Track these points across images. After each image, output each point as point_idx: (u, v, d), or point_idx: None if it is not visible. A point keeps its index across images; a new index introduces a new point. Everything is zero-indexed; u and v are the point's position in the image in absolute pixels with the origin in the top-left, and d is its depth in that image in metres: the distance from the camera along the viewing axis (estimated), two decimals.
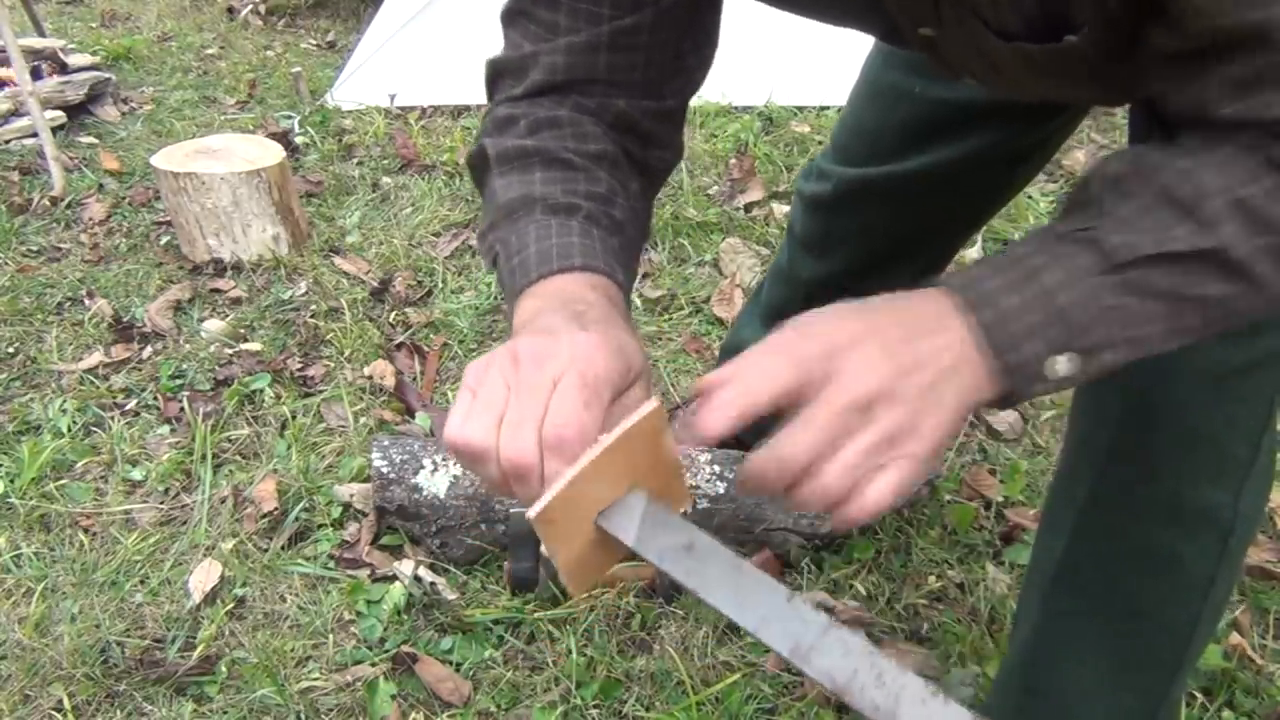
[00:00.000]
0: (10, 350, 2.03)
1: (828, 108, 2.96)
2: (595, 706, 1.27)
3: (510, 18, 0.87)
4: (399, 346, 2.00)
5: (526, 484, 0.60)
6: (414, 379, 1.91)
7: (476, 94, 3.51)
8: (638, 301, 2.13)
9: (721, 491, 1.43)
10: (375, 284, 2.22)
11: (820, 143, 2.75)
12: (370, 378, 1.90)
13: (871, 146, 1.22)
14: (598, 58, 0.84)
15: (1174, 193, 0.59)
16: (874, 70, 1.23)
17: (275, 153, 2.35)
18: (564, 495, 0.58)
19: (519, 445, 0.58)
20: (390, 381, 1.89)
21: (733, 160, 2.69)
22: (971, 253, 2.23)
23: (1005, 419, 1.74)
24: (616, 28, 0.83)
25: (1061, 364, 0.60)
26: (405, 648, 1.34)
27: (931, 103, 1.14)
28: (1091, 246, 0.59)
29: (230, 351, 2.01)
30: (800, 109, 3.01)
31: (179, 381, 1.92)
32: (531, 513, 0.58)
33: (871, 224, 1.26)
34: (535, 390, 0.60)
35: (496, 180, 0.85)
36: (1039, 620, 1.01)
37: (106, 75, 3.33)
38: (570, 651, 1.33)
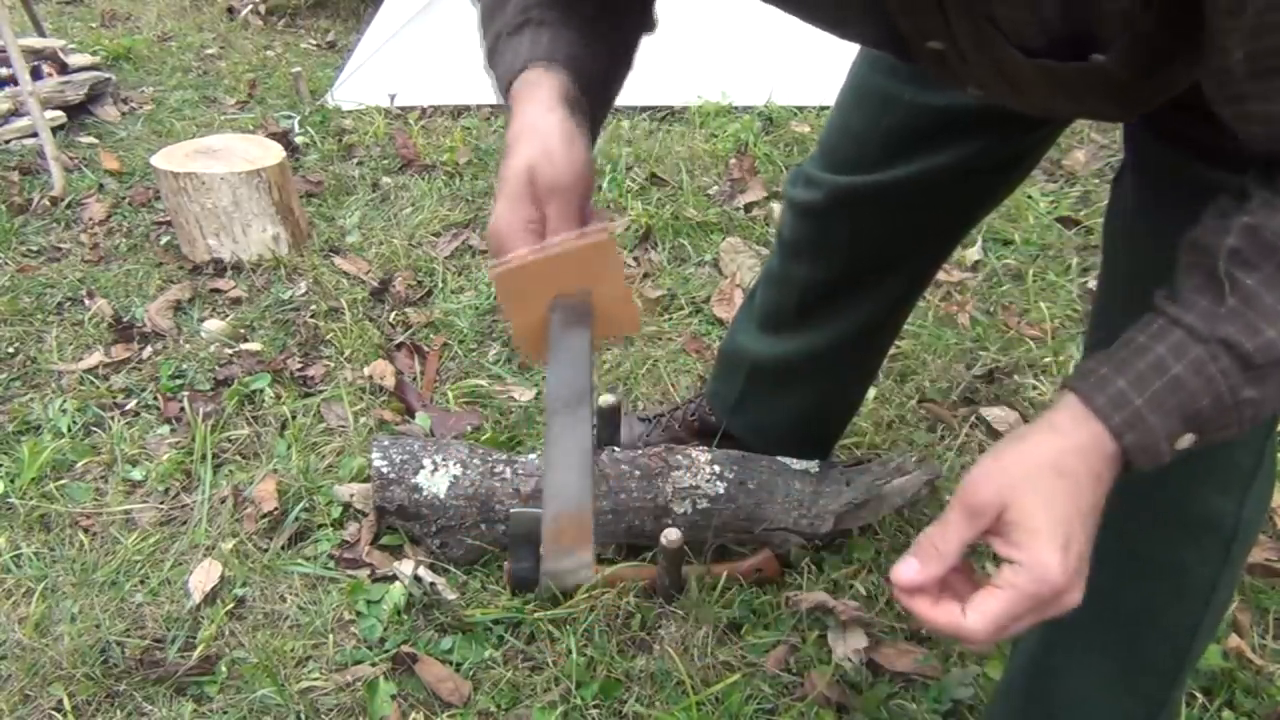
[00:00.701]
0: (10, 350, 2.03)
1: (827, 108, 2.94)
2: (595, 706, 1.27)
3: None
4: (399, 346, 2.00)
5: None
6: (414, 379, 1.91)
7: (476, 94, 3.53)
8: (637, 302, 2.13)
9: (721, 491, 1.43)
10: (375, 284, 2.22)
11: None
12: (370, 378, 1.90)
13: (860, 153, 1.22)
14: None
15: None
16: (861, 74, 1.22)
17: (275, 153, 2.35)
18: (510, 272, 0.74)
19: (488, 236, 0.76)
20: (390, 381, 1.89)
21: (733, 160, 2.69)
22: (971, 253, 2.23)
23: (1005, 419, 1.74)
24: None
25: (1183, 443, 0.65)
26: (405, 648, 1.34)
27: (921, 109, 1.13)
28: (1229, 351, 0.62)
29: (230, 351, 2.01)
30: (800, 109, 3.01)
31: (179, 381, 1.92)
32: (489, 273, 0.71)
33: (862, 231, 1.26)
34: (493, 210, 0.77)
35: (482, 22, 0.90)
36: (1043, 628, 1.00)
37: (106, 75, 3.33)
38: (570, 651, 1.33)
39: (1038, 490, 0.63)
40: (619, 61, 0.94)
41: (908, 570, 0.66)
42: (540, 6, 0.85)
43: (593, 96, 0.83)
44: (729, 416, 1.55)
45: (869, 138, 1.20)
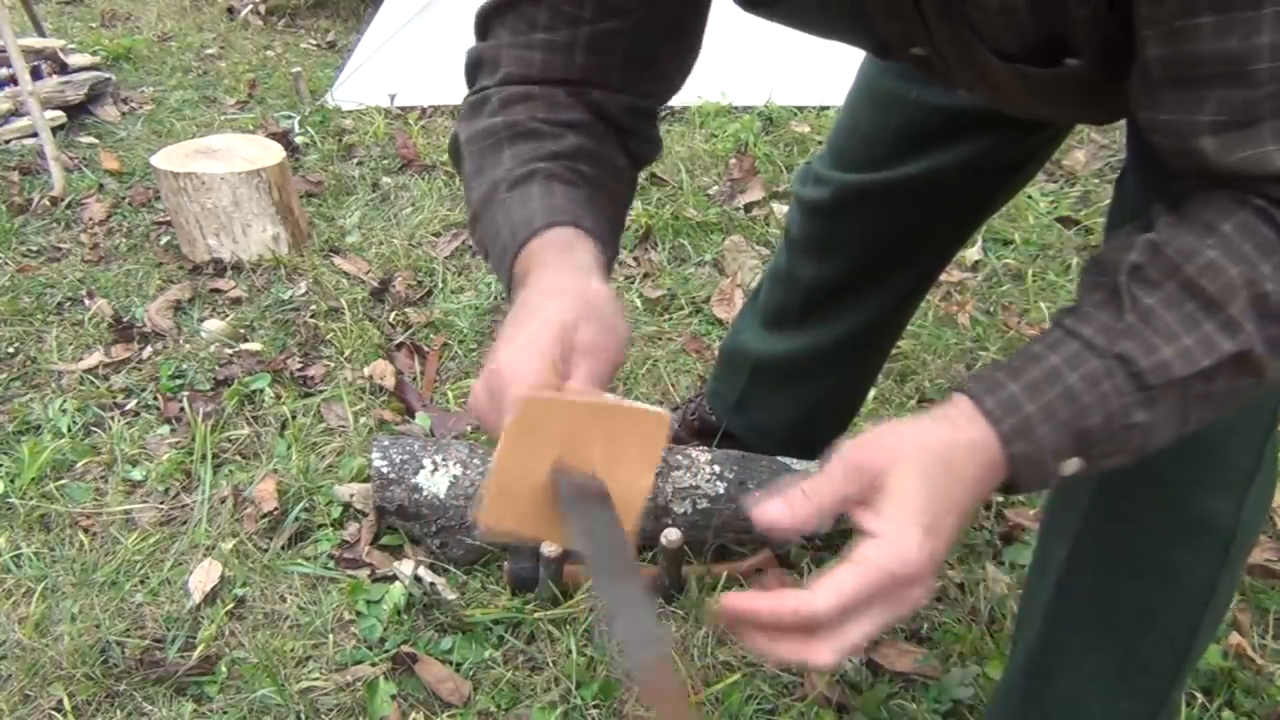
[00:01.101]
0: (10, 350, 2.03)
1: (828, 108, 2.96)
2: (595, 706, 1.27)
3: (496, 9, 0.87)
4: (399, 346, 2.00)
5: (483, 423, 0.67)
6: (414, 379, 1.91)
7: None
8: (637, 302, 2.13)
9: (721, 491, 1.43)
10: (375, 284, 2.22)
11: (820, 143, 2.75)
12: (370, 378, 1.90)
13: (868, 151, 1.22)
14: (574, 57, 0.84)
15: (1201, 290, 0.60)
16: (870, 75, 1.22)
17: (275, 153, 2.35)
18: (547, 403, 0.61)
19: (474, 395, 0.67)
20: (390, 381, 1.89)
21: (733, 160, 2.69)
22: (971, 253, 2.23)
23: None
24: (595, 30, 0.83)
25: (1069, 466, 0.63)
26: (405, 648, 1.34)
27: (927, 108, 1.14)
28: (1123, 367, 0.61)
29: (230, 351, 2.01)
30: (800, 109, 3.01)
31: (179, 381, 1.92)
32: (517, 397, 0.62)
33: (870, 229, 1.27)
34: (494, 354, 0.67)
35: (469, 166, 0.85)
36: (1041, 628, 1.00)
37: (106, 75, 3.33)
38: (570, 651, 1.33)
39: (922, 468, 0.60)
40: (621, 214, 0.91)
41: (773, 508, 0.60)
42: (546, 160, 0.81)
43: (606, 258, 0.79)
44: (730, 416, 1.55)
45: (878, 137, 1.20)
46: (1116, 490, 0.90)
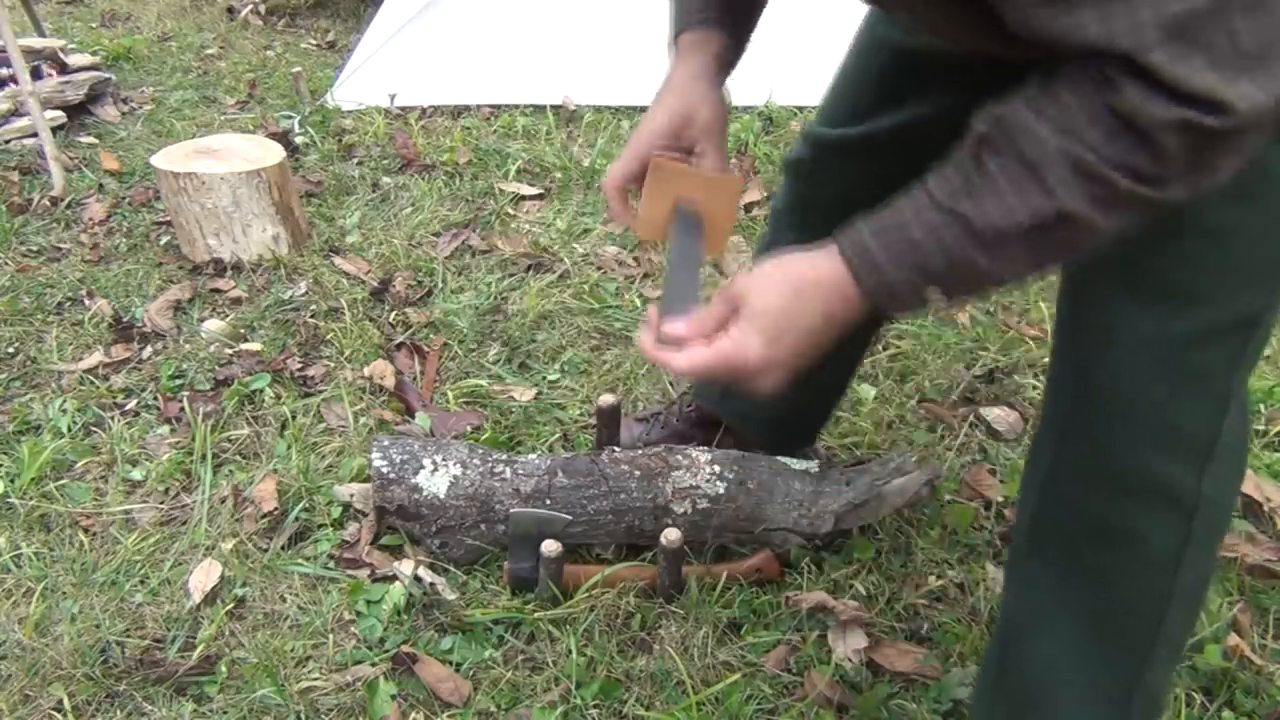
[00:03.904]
0: (10, 350, 2.03)
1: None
2: (595, 706, 1.27)
3: None
4: (399, 346, 2.00)
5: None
6: (414, 379, 1.91)
7: (476, 94, 3.52)
8: (637, 302, 2.13)
9: (721, 491, 1.43)
10: (375, 284, 2.22)
11: None
12: (370, 378, 1.90)
13: (852, 103, 1.24)
14: None
15: (1027, 158, 0.70)
16: (859, 31, 1.25)
17: (275, 153, 2.35)
18: (669, 166, 1.02)
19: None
20: (390, 381, 1.89)
21: (733, 160, 2.70)
22: None
23: (1005, 419, 1.74)
24: None
25: (931, 294, 0.76)
26: (405, 648, 1.34)
27: (907, 53, 1.15)
28: (961, 222, 0.72)
29: (230, 351, 2.01)
30: (800, 109, 3.01)
31: (179, 381, 1.92)
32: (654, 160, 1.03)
33: (846, 187, 1.25)
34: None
35: None
36: (1014, 591, 1.02)
37: (106, 75, 3.33)
38: (570, 651, 1.33)
39: (771, 295, 0.80)
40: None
41: (675, 326, 0.83)
42: None
43: (740, 31, 1.08)
44: (717, 404, 1.55)
45: (861, 86, 1.23)
46: (1070, 453, 0.92)
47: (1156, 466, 0.88)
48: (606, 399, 1.59)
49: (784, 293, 0.79)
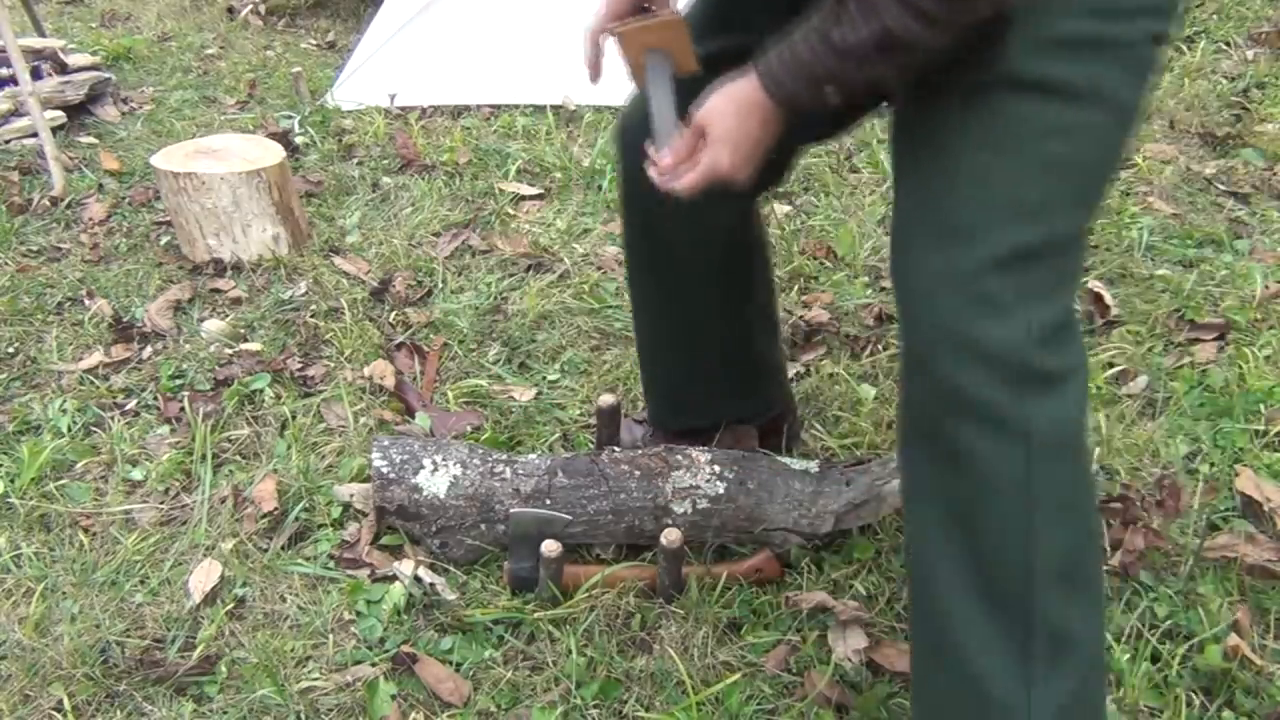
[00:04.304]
0: (10, 350, 2.03)
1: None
2: (595, 706, 1.27)
3: None
4: (399, 346, 2.00)
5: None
6: (414, 379, 1.91)
7: (476, 94, 3.51)
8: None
9: (721, 491, 1.43)
10: (375, 284, 2.22)
11: (822, 141, 2.75)
12: (370, 378, 1.90)
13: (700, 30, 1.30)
14: None
15: None
16: None
17: (275, 153, 2.35)
18: (632, 30, 1.17)
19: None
20: (390, 381, 1.89)
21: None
22: None
23: None
24: None
25: (828, 94, 0.97)
26: (405, 648, 1.34)
27: None
28: (829, 43, 0.94)
29: (230, 351, 2.01)
30: None
31: (179, 381, 1.92)
32: (615, 31, 1.18)
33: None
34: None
35: None
36: (906, 515, 1.05)
37: (106, 75, 3.34)
38: (570, 651, 1.33)
39: (724, 118, 1.04)
40: None
41: (664, 158, 1.08)
42: None
43: None
44: (666, 426, 1.61)
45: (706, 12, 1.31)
46: (908, 381, 1.00)
47: (968, 385, 0.93)
48: (606, 399, 1.59)
49: (730, 114, 1.04)
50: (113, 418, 1.82)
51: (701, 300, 1.45)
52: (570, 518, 1.43)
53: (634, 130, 1.31)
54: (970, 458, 0.95)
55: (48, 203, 2.63)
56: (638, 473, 1.44)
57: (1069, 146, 0.94)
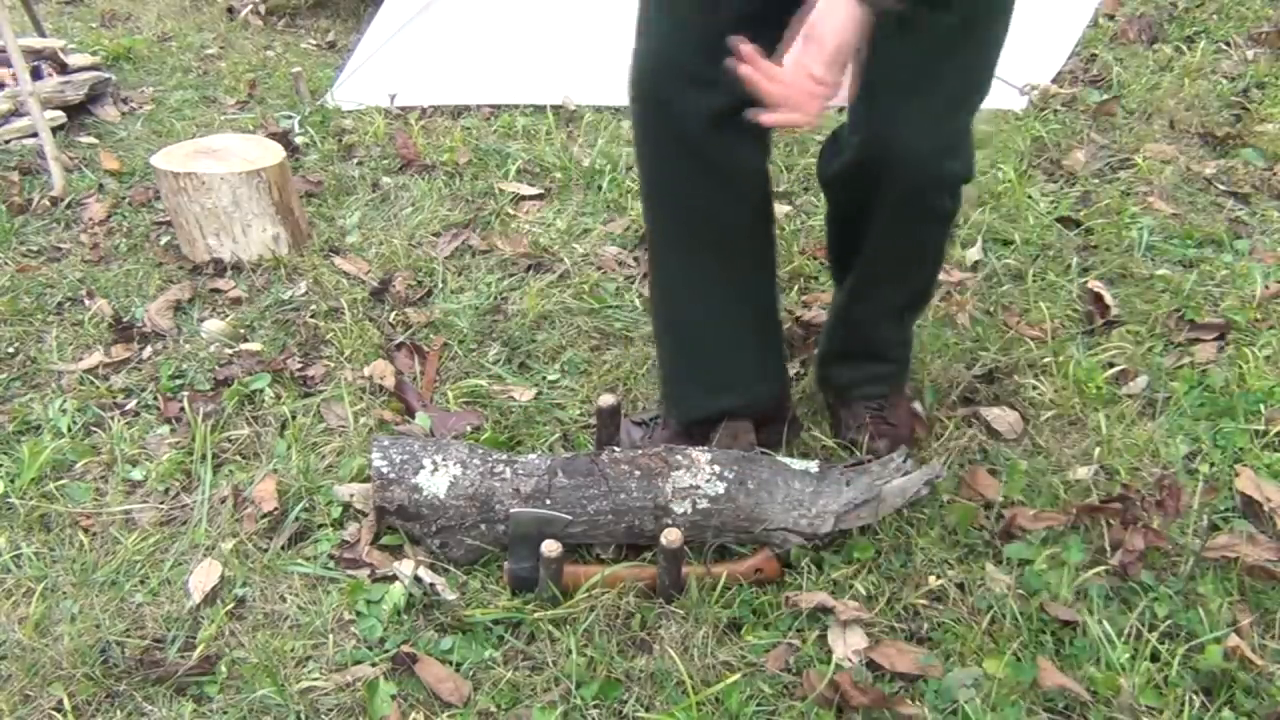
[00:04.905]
0: (10, 350, 2.03)
1: (828, 107, 2.95)
2: (595, 706, 1.27)
3: None
4: (399, 346, 2.00)
5: None
6: (414, 379, 1.91)
7: (476, 94, 3.52)
8: (636, 301, 2.13)
9: (721, 491, 1.43)
10: (375, 284, 2.22)
11: (819, 142, 2.75)
12: (370, 378, 1.90)
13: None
14: None
15: None
16: None
17: (275, 153, 2.35)
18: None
19: None
20: (390, 381, 1.89)
21: None
22: (971, 253, 2.24)
23: (1005, 419, 1.74)
24: None
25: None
26: (405, 648, 1.34)
27: None
28: None
29: (230, 351, 2.01)
30: None
31: (179, 381, 1.92)
32: None
33: None
34: None
35: None
36: (860, 269, 1.56)
37: (106, 75, 3.34)
38: (570, 651, 1.33)
39: (827, 23, 1.18)
40: None
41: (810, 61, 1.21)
42: None
43: None
44: (689, 415, 1.62)
45: None
46: (888, 193, 1.39)
47: (934, 201, 1.43)
48: (606, 399, 1.59)
49: (833, 21, 1.18)
50: (113, 418, 1.82)
51: (748, 256, 1.53)
52: (570, 518, 1.43)
53: (668, 71, 1.39)
54: (921, 243, 1.51)
55: (48, 203, 2.63)
56: (638, 473, 1.44)
57: (1004, 36, 1.36)
